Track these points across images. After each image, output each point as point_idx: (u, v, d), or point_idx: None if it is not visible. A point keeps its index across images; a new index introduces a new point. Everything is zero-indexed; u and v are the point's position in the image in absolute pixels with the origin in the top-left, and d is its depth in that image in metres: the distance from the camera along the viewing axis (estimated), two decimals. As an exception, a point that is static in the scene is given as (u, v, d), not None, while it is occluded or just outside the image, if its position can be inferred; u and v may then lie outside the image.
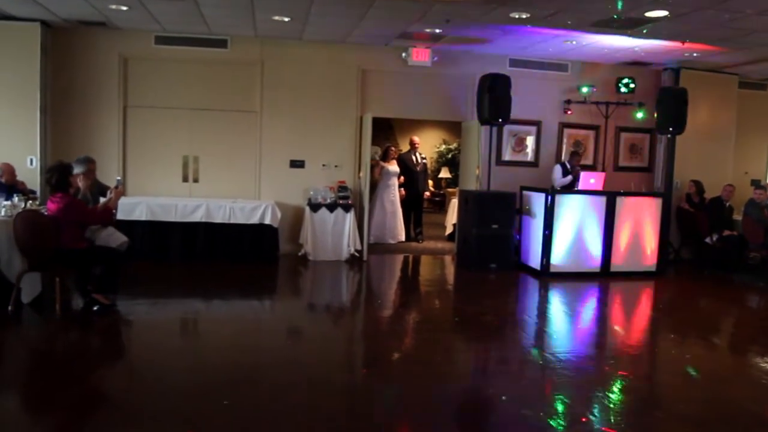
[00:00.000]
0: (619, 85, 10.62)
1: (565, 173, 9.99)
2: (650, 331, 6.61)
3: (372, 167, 10.16)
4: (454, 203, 11.21)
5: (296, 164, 9.97)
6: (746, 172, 12.04)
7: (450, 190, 15.34)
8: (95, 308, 6.00)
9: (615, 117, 10.88)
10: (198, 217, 9.03)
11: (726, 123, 11.28)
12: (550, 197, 8.71)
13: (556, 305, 7.62)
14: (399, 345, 5.75)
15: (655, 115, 10.12)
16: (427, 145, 19.49)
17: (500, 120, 9.06)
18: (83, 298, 6.16)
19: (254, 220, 9.12)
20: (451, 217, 11.58)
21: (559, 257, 8.80)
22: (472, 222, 9.11)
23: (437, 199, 17.46)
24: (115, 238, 6.75)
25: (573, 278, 8.72)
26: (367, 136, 9.64)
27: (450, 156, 18.27)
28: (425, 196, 12.46)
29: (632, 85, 10.56)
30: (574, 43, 9.21)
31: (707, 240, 10.06)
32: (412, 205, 11.67)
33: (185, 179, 9.81)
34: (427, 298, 7.86)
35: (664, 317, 7.20)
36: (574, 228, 8.82)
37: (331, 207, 9.44)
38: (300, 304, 7.39)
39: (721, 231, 9.94)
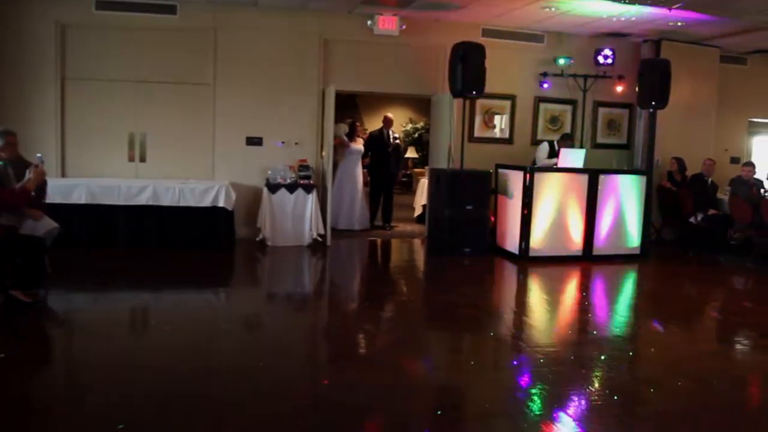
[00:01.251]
0: (598, 57, 10.01)
1: (551, 155, 9.39)
2: (637, 322, 6.03)
3: (335, 147, 9.31)
4: (424, 183, 10.54)
5: (253, 141, 9.18)
6: (726, 150, 11.57)
7: (417, 170, 14.65)
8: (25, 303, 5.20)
9: (593, 91, 10.29)
10: (144, 199, 8.20)
11: (707, 98, 10.78)
12: (528, 175, 8.08)
13: (536, 293, 7.03)
14: (365, 343, 5.07)
15: (637, 88, 9.54)
16: (394, 124, 18.81)
17: (474, 92, 8.38)
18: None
19: (206, 202, 8.32)
20: (420, 198, 10.90)
21: (538, 240, 8.20)
22: (443, 203, 8.45)
23: (404, 179, 16.81)
24: (43, 225, 5.90)
25: (553, 263, 8.14)
26: (330, 110, 8.87)
27: (417, 135, 17.66)
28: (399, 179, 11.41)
29: (611, 57, 9.95)
30: (552, 9, 8.54)
31: (691, 220, 9.57)
32: (381, 188, 10.56)
33: (131, 159, 8.94)
34: (396, 287, 7.19)
35: (651, 306, 6.63)
36: (554, 209, 8.22)
37: (291, 188, 8.68)
38: (258, 296, 6.64)
39: (705, 210, 9.45)
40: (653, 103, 9.29)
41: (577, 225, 8.35)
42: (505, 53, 9.80)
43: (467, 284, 7.12)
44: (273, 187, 8.64)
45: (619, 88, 10.35)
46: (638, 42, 10.57)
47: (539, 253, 8.20)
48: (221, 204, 8.32)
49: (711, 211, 9.45)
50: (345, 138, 10.14)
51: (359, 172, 10.40)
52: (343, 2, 8.80)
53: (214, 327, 5.39)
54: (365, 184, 10.67)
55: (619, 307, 6.60)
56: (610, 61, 9.95)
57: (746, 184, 9.02)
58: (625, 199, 8.57)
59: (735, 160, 11.80)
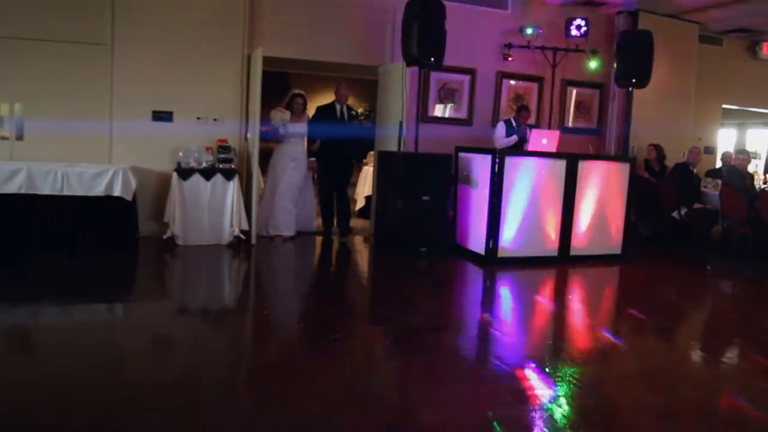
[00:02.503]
0: (570, 27, 8.71)
1: (509, 132, 8.04)
2: (621, 347, 4.70)
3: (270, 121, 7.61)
4: (368, 171, 9.03)
5: (161, 117, 7.44)
6: (700, 138, 10.52)
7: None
8: None
9: (563, 68, 8.99)
10: (15, 187, 6.41)
11: (685, 80, 9.68)
12: (497, 160, 6.67)
13: (506, 305, 5.63)
14: (297, 374, 3.52)
15: (615, 64, 8.29)
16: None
17: (432, 59, 6.92)
18: None
19: (98, 191, 6.59)
20: (363, 188, 9.36)
21: (508, 239, 6.82)
22: (395, 193, 6.98)
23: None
24: None
25: (525, 265, 6.78)
26: (256, 80, 7.24)
27: (356, 122, 16.14)
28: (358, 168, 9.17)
29: (585, 28, 8.66)
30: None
31: (674, 214, 8.39)
32: (333, 184, 8.13)
33: (4, 136, 7.09)
34: (335, 298, 5.62)
35: (638, 323, 5.31)
36: (526, 200, 6.85)
37: (208, 173, 7.03)
38: (162, 311, 4.97)
39: (690, 203, 8.29)
40: (633, 80, 8.05)
41: (552, 220, 7.01)
42: (464, 19, 8.38)
43: (426, 296, 5.64)
44: (184, 173, 6.97)
45: (593, 64, 9.07)
46: (612, 15, 9.35)
47: (509, 254, 6.82)
48: (117, 193, 6.61)
49: (696, 205, 8.31)
50: (281, 130, 7.62)
51: (303, 160, 7.84)
52: (274, -52, 7.24)
53: (112, 350, 3.75)
54: (312, 179, 8.43)
55: (606, 326, 5.25)
56: (584, 30, 8.65)
57: (739, 174, 7.89)
58: (606, 191, 7.29)
59: (709, 150, 10.80)
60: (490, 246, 6.76)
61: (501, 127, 8.15)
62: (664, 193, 8.45)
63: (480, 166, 6.97)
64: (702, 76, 10.06)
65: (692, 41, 9.71)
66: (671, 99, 9.44)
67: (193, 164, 7.05)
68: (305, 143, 7.94)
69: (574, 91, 9.45)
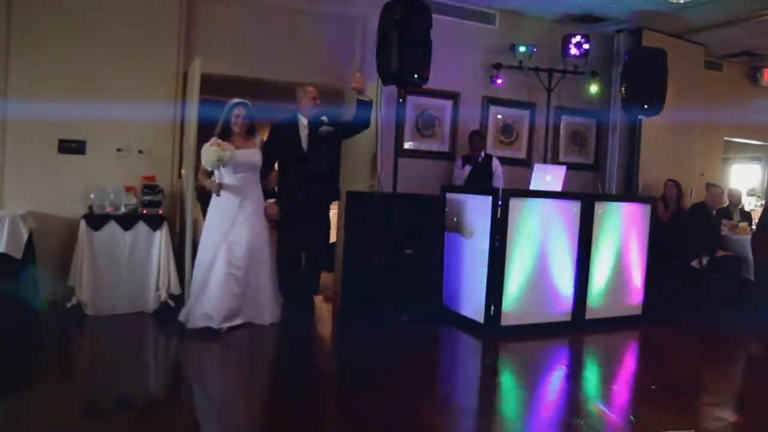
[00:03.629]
0: (569, 46, 7.44)
1: (464, 164, 6.98)
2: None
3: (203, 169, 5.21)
4: (333, 215, 7.51)
5: (71, 148, 5.83)
6: (702, 174, 9.38)
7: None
8: None
9: (557, 93, 7.71)
10: None
11: (692, 107, 8.49)
12: (500, 203, 5.26)
13: (517, 399, 4.16)
14: None
15: (621, 88, 7.08)
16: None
17: (416, 76, 5.52)
18: None
19: (-25, 245, 4.94)
20: (328, 234, 7.77)
21: (513, 302, 5.38)
22: (369, 244, 5.51)
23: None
24: None
25: (534, 335, 5.36)
26: (193, 101, 5.72)
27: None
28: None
29: (586, 45, 7.42)
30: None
31: (694, 263, 7.12)
32: (304, 235, 5.47)
33: None
34: (291, 387, 4.03)
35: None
36: (535, 252, 5.45)
37: (127, 221, 5.43)
38: (57, 412, 3.36)
39: (713, 251, 7.05)
40: (645, 106, 6.84)
41: (565, 276, 5.63)
42: (445, 36, 7.01)
43: (407, 384, 4.12)
44: (97, 221, 5.36)
45: (594, 88, 7.83)
46: (610, 33, 8.17)
47: (514, 321, 5.38)
48: (1, 248, 4.96)
49: (720, 253, 7.07)
50: (217, 176, 5.15)
51: (256, 206, 5.25)
52: (217, -59, 5.80)
53: None
54: (271, 230, 5.52)
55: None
56: (584, 49, 7.40)
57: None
58: (626, 238, 5.98)
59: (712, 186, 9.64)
60: (492, 312, 5.30)
61: (457, 164, 7.11)
62: (682, 239, 7.17)
63: (475, 211, 5.55)
64: (706, 105, 8.95)
65: (698, 65, 8.61)
66: (677, 129, 8.26)
67: (107, 209, 5.44)
68: (257, 179, 5.30)
69: (568, 120, 8.18)
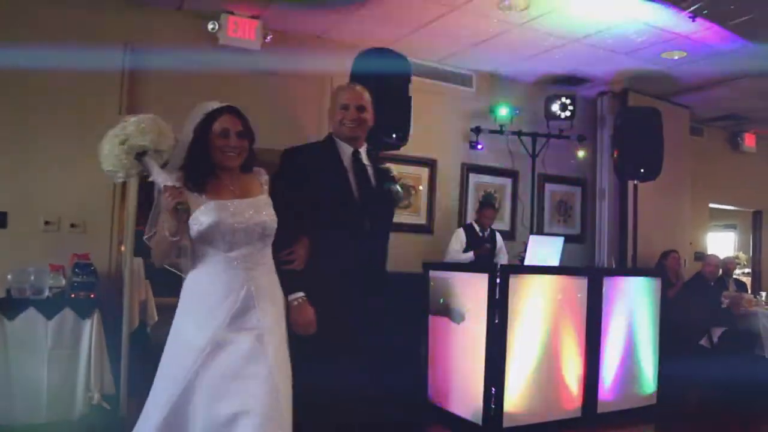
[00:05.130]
0: (553, 107, 6.91)
1: (471, 243, 6.09)
2: None
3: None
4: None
5: (-11, 220, 4.97)
6: (690, 243, 8.84)
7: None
8: None
9: (543, 158, 7.13)
10: None
11: (681, 173, 8.02)
12: (500, 281, 4.49)
13: None
14: None
15: (614, 152, 6.55)
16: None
17: (395, 136, 4.84)
18: None
19: None
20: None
21: (515, 397, 4.54)
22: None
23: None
24: None
25: (543, 438, 4.54)
26: (135, 165, 4.93)
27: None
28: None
29: (571, 107, 6.89)
30: (511, 11, 5.30)
31: (702, 342, 6.43)
32: (349, 364, 2.76)
33: None
34: None
35: None
36: (539, 338, 4.67)
37: (50, 307, 4.47)
38: None
39: (716, 327, 6.39)
40: (641, 170, 6.30)
41: (573, 365, 4.85)
42: (422, 97, 6.40)
43: None
44: (13, 307, 4.41)
45: (581, 153, 7.29)
46: (594, 96, 7.73)
47: (518, 421, 4.52)
48: None
49: (722, 329, 6.41)
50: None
51: (279, 310, 2.59)
52: (167, -13, 5.17)
53: None
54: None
55: None
56: (569, 113, 6.88)
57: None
58: (637, 318, 5.26)
59: (699, 257, 9.10)
60: (492, 411, 4.45)
61: (459, 235, 6.18)
62: (685, 316, 6.49)
63: (466, 291, 4.78)
64: (692, 171, 8.52)
65: (684, 129, 8.20)
66: (668, 197, 7.73)
67: (27, 292, 4.51)
68: (270, 255, 2.63)
69: (553, 188, 7.60)
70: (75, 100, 5.20)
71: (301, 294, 2.71)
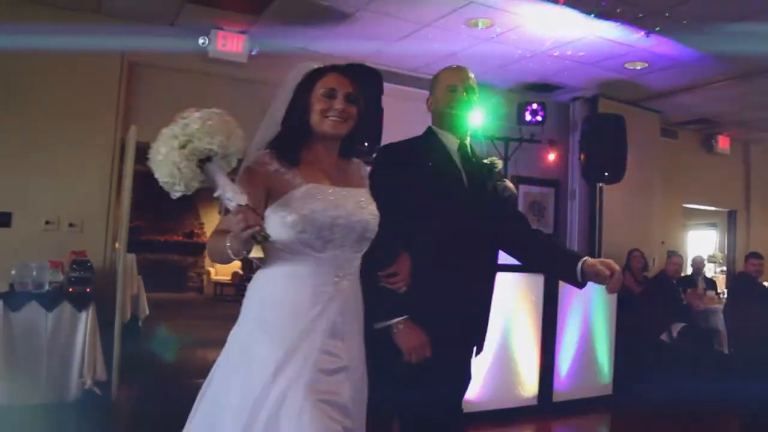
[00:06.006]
0: (525, 113, 7.32)
1: None
2: None
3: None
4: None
5: (-7, 220, 5.41)
6: (663, 242, 9.25)
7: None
8: None
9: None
10: None
11: (652, 175, 8.42)
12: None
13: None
14: None
15: (581, 156, 6.95)
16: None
17: (367, 144, 5.26)
18: None
19: None
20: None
21: (477, 386, 4.96)
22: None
23: (246, 284, 13.30)
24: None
25: (499, 423, 4.95)
26: (129, 169, 5.35)
27: (264, 232, 14.57)
28: None
29: (541, 113, 7.30)
30: (480, 26, 5.72)
31: (663, 337, 6.84)
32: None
33: None
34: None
35: None
36: (497, 332, 5.09)
37: (50, 300, 4.91)
38: None
39: (680, 323, 6.79)
40: (606, 174, 6.69)
41: (530, 356, 5.26)
42: (397, 104, 6.79)
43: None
44: (16, 300, 4.84)
45: (551, 156, 7.70)
46: (566, 102, 8.13)
47: (478, 408, 4.94)
48: None
49: (682, 325, 6.81)
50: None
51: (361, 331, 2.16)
52: (161, 4, 5.57)
53: None
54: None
55: None
56: (539, 118, 7.28)
57: (753, 284, 6.48)
58: (592, 312, 5.67)
59: (672, 254, 9.50)
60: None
61: None
62: (646, 312, 6.91)
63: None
64: (664, 172, 8.92)
65: (655, 132, 8.59)
66: (637, 197, 8.13)
67: (29, 286, 4.94)
68: (359, 266, 2.15)
69: (527, 190, 8.01)
70: (74, 110, 5.61)
71: (404, 317, 2.26)
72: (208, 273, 15.34)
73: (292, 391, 1.87)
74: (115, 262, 5.57)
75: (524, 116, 7.27)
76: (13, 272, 5.00)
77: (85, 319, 4.94)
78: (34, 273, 4.98)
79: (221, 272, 15.04)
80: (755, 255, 6.89)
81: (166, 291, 14.03)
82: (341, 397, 1.96)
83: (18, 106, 5.46)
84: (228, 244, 1.85)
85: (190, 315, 11.30)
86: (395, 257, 2.28)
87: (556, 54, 6.36)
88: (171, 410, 4.97)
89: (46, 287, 4.99)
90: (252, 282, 2.09)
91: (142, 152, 5.03)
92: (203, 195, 9.08)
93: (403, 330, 2.26)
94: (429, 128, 2.67)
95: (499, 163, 2.94)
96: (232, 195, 1.85)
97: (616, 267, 2.35)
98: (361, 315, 2.14)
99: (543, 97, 7.67)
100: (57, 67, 5.59)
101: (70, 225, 5.58)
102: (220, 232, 1.95)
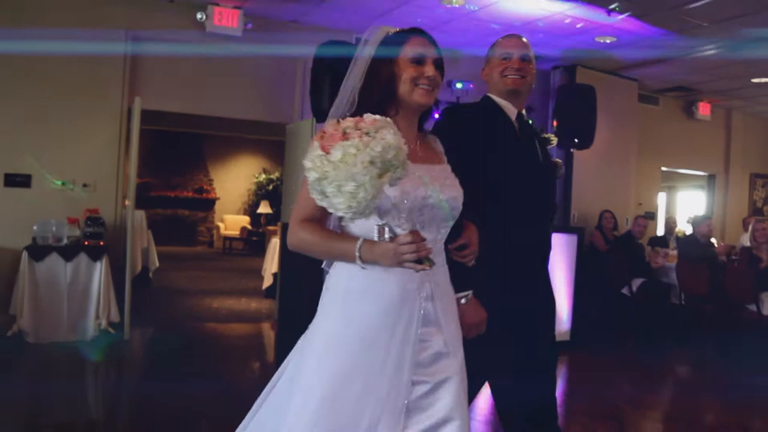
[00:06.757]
0: (504, 82, 7.83)
1: None
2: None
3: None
4: (275, 244, 7.76)
5: (16, 181, 6.05)
6: (640, 203, 9.81)
7: (271, 228, 11.73)
8: None
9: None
10: None
11: (627, 141, 8.93)
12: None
13: None
14: None
15: (554, 123, 7.46)
16: (243, 175, 16.30)
17: (349, 116, 5.82)
18: None
19: None
20: (271, 264, 8.00)
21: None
22: (300, 274, 5.76)
23: (255, 239, 14.05)
24: None
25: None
26: (135, 136, 5.99)
27: (271, 188, 15.28)
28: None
29: (521, 83, 7.80)
30: (454, 2, 6.24)
31: (624, 291, 7.46)
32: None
33: None
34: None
35: None
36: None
37: (69, 252, 5.62)
38: None
39: (639, 277, 7.40)
40: (576, 140, 7.22)
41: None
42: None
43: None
44: (39, 252, 5.55)
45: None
46: (547, 70, 8.60)
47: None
48: (-58, 279, 5.15)
49: (642, 280, 7.41)
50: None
51: (454, 313, 2.01)
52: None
53: None
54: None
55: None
56: (517, 87, 7.78)
57: (699, 245, 7.05)
58: (555, 268, 6.29)
59: (650, 215, 10.07)
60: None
61: None
62: (613, 267, 7.53)
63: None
64: (642, 136, 9.41)
65: (632, 99, 9.06)
66: (613, 161, 8.66)
67: (50, 240, 5.64)
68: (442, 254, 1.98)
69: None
70: (85, 81, 6.22)
71: (470, 291, 2.15)
72: (218, 228, 16.05)
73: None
74: (124, 218, 6.23)
75: (504, 85, 7.76)
76: (35, 228, 5.71)
77: (100, 269, 5.65)
78: (54, 228, 5.69)
79: (230, 227, 15.77)
80: (705, 218, 7.46)
81: (177, 245, 14.81)
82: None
83: (36, 81, 6.05)
84: (359, 253, 1.73)
85: (198, 267, 12.05)
86: (463, 228, 2.06)
87: (529, 28, 6.83)
88: (178, 347, 5.82)
89: (65, 241, 5.70)
90: (332, 271, 1.92)
91: (147, 116, 5.69)
92: (212, 150, 9.87)
93: (466, 305, 2.13)
94: (487, 97, 2.61)
95: (555, 140, 3.03)
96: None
97: None
98: (453, 299, 1.99)
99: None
100: (68, 44, 6.12)
101: (84, 185, 6.22)
102: (333, 234, 1.86)
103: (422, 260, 1.66)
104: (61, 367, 5.07)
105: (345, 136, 1.57)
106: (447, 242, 1.99)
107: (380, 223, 1.74)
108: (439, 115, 2.47)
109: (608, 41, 7.18)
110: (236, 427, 1.99)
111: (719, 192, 11.04)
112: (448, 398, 1.82)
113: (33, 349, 5.38)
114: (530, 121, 2.64)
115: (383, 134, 1.59)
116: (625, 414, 4.68)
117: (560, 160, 3.25)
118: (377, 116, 1.65)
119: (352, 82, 1.95)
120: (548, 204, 2.63)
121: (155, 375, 5.11)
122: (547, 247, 2.60)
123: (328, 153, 1.56)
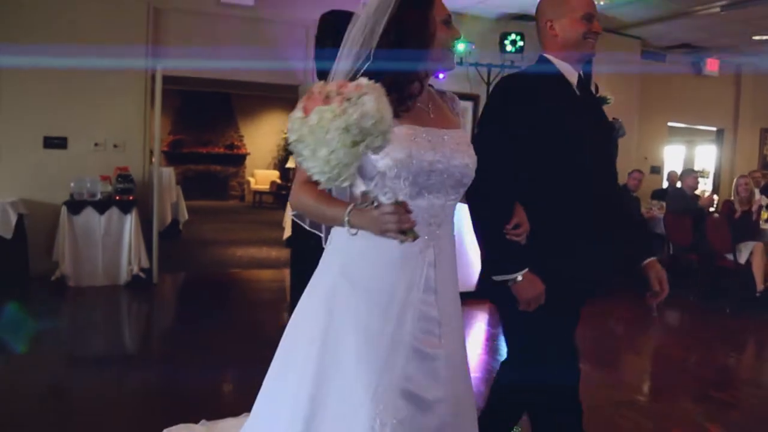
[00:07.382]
0: (505, 42, 8.22)
1: None
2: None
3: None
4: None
5: (54, 143, 6.73)
6: (646, 158, 10.17)
7: (294, 184, 12.37)
8: None
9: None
10: None
11: (629, 98, 9.24)
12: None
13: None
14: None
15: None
16: (272, 131, 16.79)
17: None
18: None
19: (-30, 227, 5.86)
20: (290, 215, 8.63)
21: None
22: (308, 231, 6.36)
23: (284, 192, 14.67)
24: None
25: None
26: (158, 100, 6.60)
27: (299, 146, 15.80)
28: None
29: (520, 43, 8.18)
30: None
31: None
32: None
33: None
34: (254, 361, 4.93)
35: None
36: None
37: (102, 206, 6.31)
38: (42, 364, 4.26)
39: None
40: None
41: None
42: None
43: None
44: (76, 206, 6.25)
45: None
46: (550, 29, 8.92)
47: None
48: (-7, 230, 5.88)
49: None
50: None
51: (454, 282, 1.89)
52: (178, -42, 6.63)
53: None
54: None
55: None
56: (519, 46, 8.17)
57: (685, 197, 7.44)
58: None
59: (655, 170, 10.44)
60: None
61: None
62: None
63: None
64: (646, 93, 9.70)
65: (635, 56, 9.33)
66: (616, 116, 8.99)
67: (85, 196, 6.34)
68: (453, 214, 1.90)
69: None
70: (112, 51, 6.72)
71: (526, 269, 2.12)
72: (249, 182, 16.71)
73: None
74: (152, 174, 6.89)
75: (504, 45, 8.16)
76: (72, 185, 6.40)
77: (130, 221, 6.34)
78: (89, 185, 6.37)
79: (260, 181, 16.39)
80: (689, 171, 7.82)
81: (210, 199, 15.57)
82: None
83: (64, 52, 6.58)
84: (347, 219, 1.62)
85: (228, 220, 12.75)
86: (510, 205, 2.10)
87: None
88: (202, 289, 6.52)
89: (98, 196, 6.38)
90: (334, 231, 1.85)
91: (177, 79, 6.26)
92: (242, 108, 10.46)
93: (523, 282, 2.12)
94: (544, 57, 2.34)
95: (612, 98, 2.86)
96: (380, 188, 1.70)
97: (666, 288, 2.37)
98: (455, 267, 1.88)
99: (525, 26, 8.49)
100: (93, 11, 6.73)
101: (114, 146, 6.88)
102: (326, 197, 1.73)
103: (406, 232, 1.56)
104: (98, 307, 5.79)
105: (327, 100, 1.48)
106: (500, 220, 2.08)
107: (364, 190, 1.70)
108: (495, 87, 2.33)
109: (602, 2, 7.47)
110: (255, 358, 2.25)
111: (727, 146, 11.28)
112: (439, 372, 1.77)
113: (73, 291, 6.12)
114: (587, 84, 2.43)
115: (364, 101, 1.46)
116: (619, 355, 5.24)
117: (619, 119, 3.02)
118: (366, 81, 1.50)
119: (360, 36, 1.76)
120: (614, 168, 2.45)
121: (180, 314, 5.84)
122: (610, 221, 2.33)
123: (307, 116, 1.48)
